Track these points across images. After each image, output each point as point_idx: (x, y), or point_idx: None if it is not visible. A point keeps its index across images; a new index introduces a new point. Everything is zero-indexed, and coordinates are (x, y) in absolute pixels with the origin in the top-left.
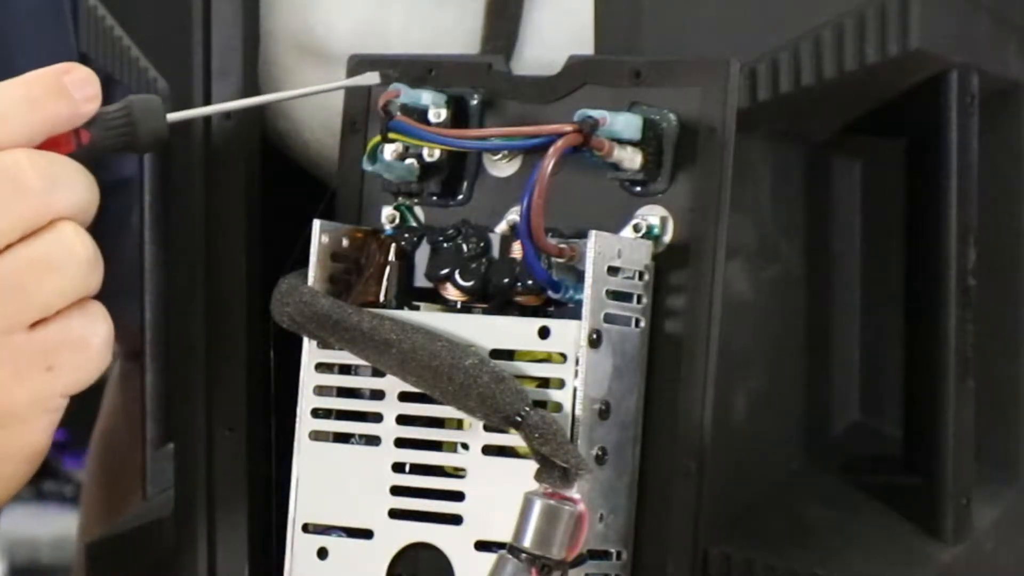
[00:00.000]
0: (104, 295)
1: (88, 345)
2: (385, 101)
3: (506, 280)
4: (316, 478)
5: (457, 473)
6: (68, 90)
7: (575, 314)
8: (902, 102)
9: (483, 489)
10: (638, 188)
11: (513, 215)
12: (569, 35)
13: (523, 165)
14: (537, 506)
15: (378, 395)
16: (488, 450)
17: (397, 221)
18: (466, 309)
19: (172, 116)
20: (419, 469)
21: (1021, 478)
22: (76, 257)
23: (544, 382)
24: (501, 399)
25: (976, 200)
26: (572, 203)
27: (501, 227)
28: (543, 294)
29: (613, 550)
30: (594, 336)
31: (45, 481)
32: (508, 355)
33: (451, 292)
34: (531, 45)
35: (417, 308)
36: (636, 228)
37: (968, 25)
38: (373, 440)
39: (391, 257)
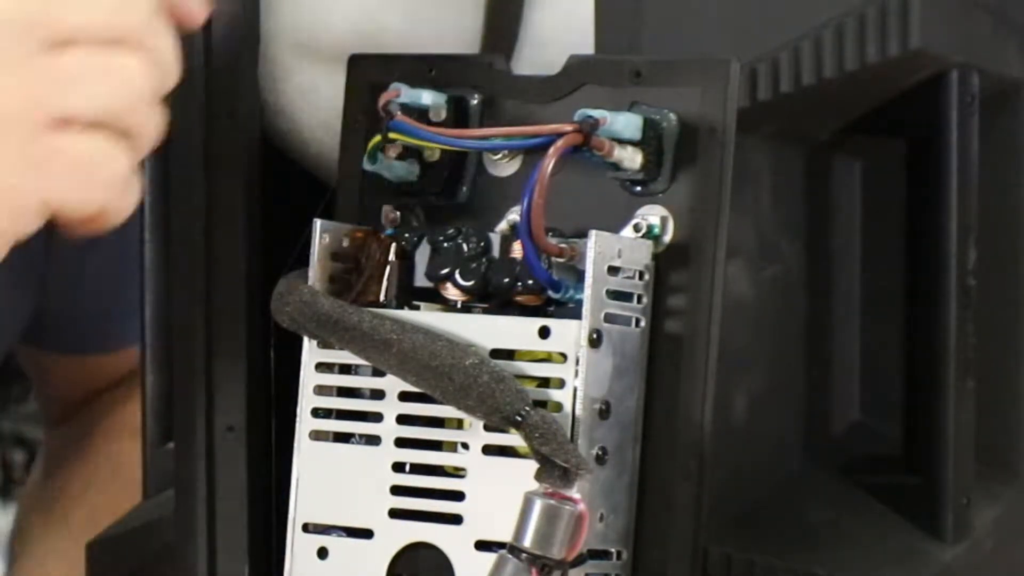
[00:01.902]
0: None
1: (92, 158)
2: (385, 101)
3: (506, 280)
4: (316, 478)
5: (457, 473)
6: None
7: (575, 314)
8: (902, 102)
9: (483, 489)
10: (638, 188)
11: (513, 215)
12: (569, 35)
13: (523, 165)
14: (537, 506)
15: (378, 395)
16: (488, 450)
17: (398, 221)
18: (466, 309)
19: None
20: (419, 469)
21: (1021, 478)
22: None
23: (544, 382)
24: (501, 399)
25: (976, 200)
26: (572, 203)
27: (501, 227)
28: (543, 294)
29: (613, 550)
30: (594, 336)
31: None
32: (508, 355)
33: (451, 292)
34: (531, 45)
35: (417, 308)
36: (636, 228)
37: (968, 25)
38: (373, 440)
39: (391, 257)
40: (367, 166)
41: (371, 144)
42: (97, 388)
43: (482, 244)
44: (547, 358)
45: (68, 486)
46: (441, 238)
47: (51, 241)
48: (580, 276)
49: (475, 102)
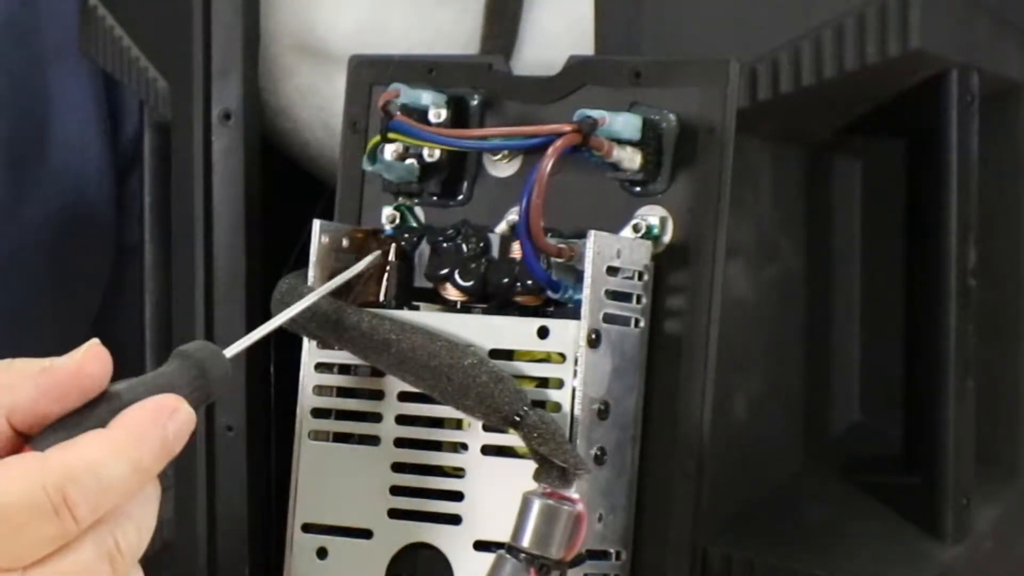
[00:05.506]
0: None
1: None
2: (385, 101)
3: (505, 280)
4: (316, 478)
5: (456, 473)
6: (171, 444)
7: (574, 314)
8: (902, 102)
9: (482, 489)
10: (638, 188)
11: (513, 215)
12: (569, 35)
13: (523, 165)
14: (536, 506)
15: (377, 395)
16: (487, 450)
17: (397, 221)
18: (466, 309)
19: (229, 351)
20: (418, 469)
21: (1021, 478)
22: None
23: (543, 382)
24: (500, 399)
25: (976, 200)
26: (572, 203)
27: (501, 227)
28: (542, 294)
29: (612, 550)
30: (593, 336)
31: None
32: (507, 355)
33: (451, 292)
34: (531, 45)
35: (417, 308)
36: (636, 228)
37: (968, 25)
38: (373, 440)
39: (391, 257)
40: (367, 166)
41: (371, 144)
42: None
43: (481, 244)
44: (546, 358)
45: None
46: (440, 238)
47: (114, 273)
48: (579, 276)
49: (475, 102)
